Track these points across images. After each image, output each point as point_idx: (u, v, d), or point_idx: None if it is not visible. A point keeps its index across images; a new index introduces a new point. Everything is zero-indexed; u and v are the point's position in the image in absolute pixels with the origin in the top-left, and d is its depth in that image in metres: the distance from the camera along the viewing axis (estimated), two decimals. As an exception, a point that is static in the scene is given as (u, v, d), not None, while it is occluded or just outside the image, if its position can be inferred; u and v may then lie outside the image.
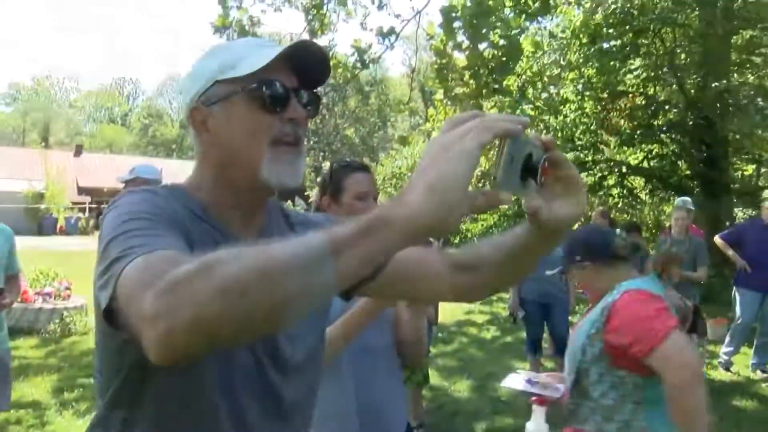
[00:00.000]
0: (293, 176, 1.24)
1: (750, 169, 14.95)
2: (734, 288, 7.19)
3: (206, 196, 1.27)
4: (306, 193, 29.81)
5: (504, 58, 9.51)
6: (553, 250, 4.23)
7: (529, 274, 1.43)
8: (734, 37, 13.33)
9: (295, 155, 1.24)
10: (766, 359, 7.19)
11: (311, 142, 43.52)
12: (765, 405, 6.25)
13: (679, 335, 2.25)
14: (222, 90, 1.22)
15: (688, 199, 7.41)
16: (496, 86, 10.28)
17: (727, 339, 7.22)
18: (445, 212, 0.86)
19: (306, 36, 10.93)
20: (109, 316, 0.98)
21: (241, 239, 1.24)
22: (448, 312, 10.02)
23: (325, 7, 10.93)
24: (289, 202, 27.53)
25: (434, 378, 6.62)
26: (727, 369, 7.11)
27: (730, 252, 7.03)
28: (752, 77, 13.48)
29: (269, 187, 1.25)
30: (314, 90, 1.30)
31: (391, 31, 10.43)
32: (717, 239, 7.16)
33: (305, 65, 1.24)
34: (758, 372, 7.11)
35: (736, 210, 13.79)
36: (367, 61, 10.77)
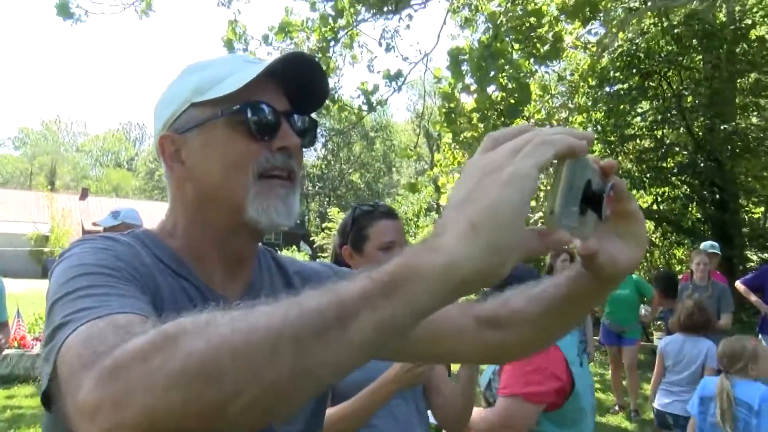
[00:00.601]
0: (286, 214, 1.03)
1: (758, 211, 14.76)
2: (759, 335, 6.95)
3: (181, 242, 1.06)
4: (311, 239, 29.76)
5: (513, 101, 9.45)
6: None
7: (571, 331, 1.19)
8: (739, 80, 13.33)
9: (288, 190, 1.04)
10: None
11: (316, 188, 43.70)
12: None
13: (525, 406, 2.36)
14: (198, 114, 1.03)
15: (713, 243, 7.22)
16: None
17: None
18: (494, 258, 0.65)
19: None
20: (47, 400, 0.78)
21: (225, 297, 1.03)
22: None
23: (331, 50, 10.89)
24: (294, 247, 27.45)
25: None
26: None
27: (753, 297, 6.80)
28: (756, 119, 13.48)
29: (257, 229, 1.03)
30: (310, 114, 1.11)
31: (399, 74, 10.41)
32: (738, 284, 6.95)
33: (298, 85, 1.05)
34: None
35: (748, 253, 13.59)
36: (374, 104, 10.70)
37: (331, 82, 11.91)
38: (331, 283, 0.67)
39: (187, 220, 1.07)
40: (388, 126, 46.08)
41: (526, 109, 11.46)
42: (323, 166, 43.97)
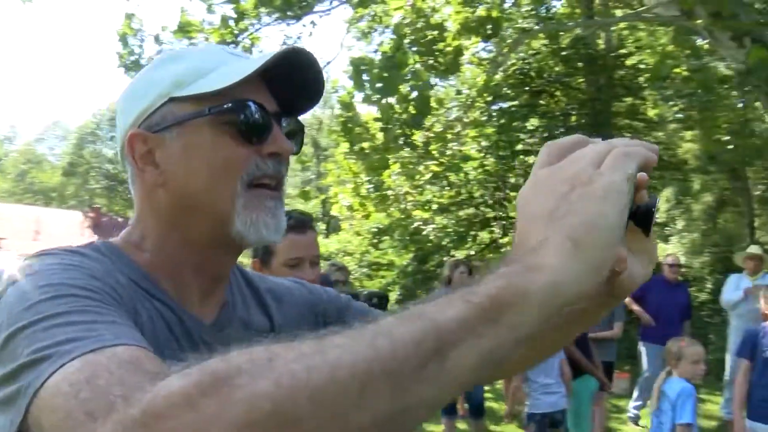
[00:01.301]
0: (275, 228, 0.92)
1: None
2: (640, 343, 7.36)
3: (150, 257, 0.94)
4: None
5: (414, 112, 9.59)
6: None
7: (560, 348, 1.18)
8: (617, 103, 14.18)
9: (277, 201, 0.94)
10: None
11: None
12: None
13: None
14: (178, 111, 0.90)
15: None
16: (404, 140, 10.35)
17: (635, 393, 7.36)
18: (595, 276, 0.62)
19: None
20: None
21: (200, 320, 0.94)
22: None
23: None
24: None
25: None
26: (636, 423, 7.22)
27: (636, 307, 7.22)
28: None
29: (242, 244, 0.93)
30: (299, 116, 1.01)
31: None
32: (627, 298, 7.35)
33: (291, 84, 0.94)
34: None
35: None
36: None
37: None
38: (412, 306, 0.60)
39: (160, 232, 0.94)
40: (275, 134, 45.57)
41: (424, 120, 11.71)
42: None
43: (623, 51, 14.66)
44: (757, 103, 13.72)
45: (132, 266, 0.90)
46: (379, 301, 1.69)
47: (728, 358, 7.30)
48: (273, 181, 0.94)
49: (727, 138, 13.96)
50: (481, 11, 9.55)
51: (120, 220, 36.50)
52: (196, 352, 0.85)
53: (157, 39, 10.82)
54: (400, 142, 9.69)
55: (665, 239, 17.74)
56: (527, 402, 5.17)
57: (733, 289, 7.14)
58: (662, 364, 7.06)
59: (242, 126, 0.89)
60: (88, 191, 46.51)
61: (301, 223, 1.92)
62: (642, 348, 7.33)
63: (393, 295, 14.44)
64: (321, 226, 29.18)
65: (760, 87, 11.40)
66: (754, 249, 7.35)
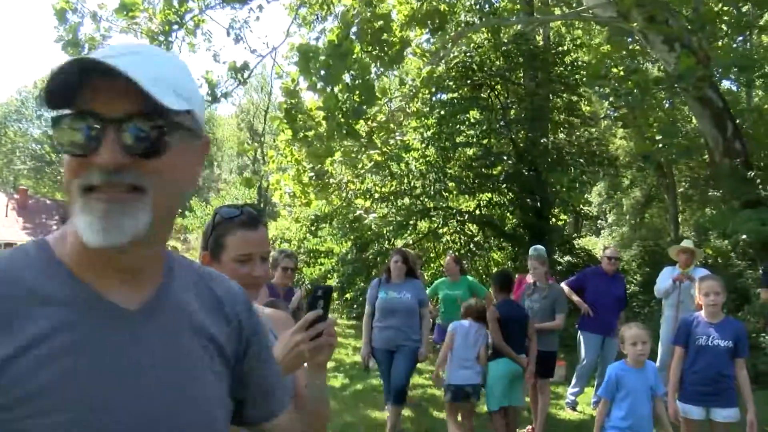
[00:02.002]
0: (104, 231, 0.91)
1: (564, 219, 16.09)
2: (578, 332, 7.59)
3: (70, 250, 0.97)
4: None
5: (358, 101, 9.60)
6: (402, 300, 4.12)
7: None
8: (556, 99, 14.51)
9: (113, 205, 0.91)
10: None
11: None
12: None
13: None
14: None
15: (540, 247, 7.80)
16: (347, 129, 10.34)
17: (573, 380, 7.59)
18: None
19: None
20: None
21: (124, 308, 0.98)
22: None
23: (173, 35, 10.43)
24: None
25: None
26: (574, 408, 7.45)
27: (575, 298, 7.44)
28: (564, 135, 14.76)
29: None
30: (156, 116, 0.93)
31: (245, 66, 10.21)
32: (563, 286, 7.56)
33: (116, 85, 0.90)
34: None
35: (557, 257, 14.78)
36: (218, 96, 10.39)
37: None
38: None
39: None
40: (211, 119, 44.89)
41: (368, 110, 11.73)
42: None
43: (562, 48, 15.04)
44: (685, 106, 14.29)
45: (50, 265, 0.96)
46: (324, 293, 1.72)
47: (659, 347, 7.61)
48: (104, 186, 0.92)
49: (657, 137, 14.47)
50: (429, 3, 9.62)
51: (48, 202, 35.25)
52: (117, 338, 0.96)
53: (95, 17, 10.51)
54: (343, 131, 9.67)
55: (597, 232, 18.36)
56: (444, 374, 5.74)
57: (666, 279, 7.44)
58: (599, 352, 7.37)
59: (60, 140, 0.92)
60: (13, 172, 44.70)
61: (252, 219, 1.91)
62: (580, 337, 7.55)
63: (332, 283, 14.46)
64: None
65: (688, 91, 11.89)
66: (686, 243, 7.64)
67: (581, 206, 16.08)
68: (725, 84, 14.73)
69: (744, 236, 10.38)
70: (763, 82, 13.93)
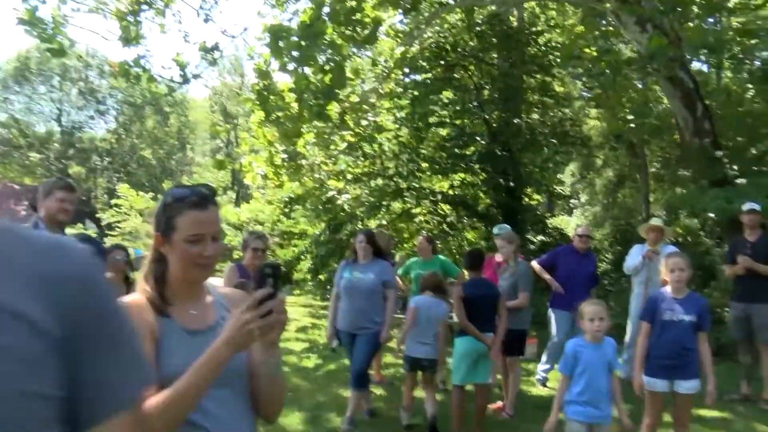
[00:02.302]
0: None
1: (537, 199, 16.22)
2: (549, 309, 7.68)
3: None
4: (98, 216, 27.93)
5: (329, 83, 9.53)
6: (365, 280, 4.15)
7: None
8: (529, 79, 14.56)
9: None
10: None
11: (105, 162, 41.06)
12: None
13: None
14: None
15: (505, 226, 7.86)
16: (318, 111, 10.27)
17: (544, 357, 7.68)
18: None
19: (119, 44, 10.22)
20: None
21: None
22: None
23: (141, 15, 10.24)
24: (80, 225, 25.59)
25: (261, 413, 6.35)
26: (544, 385, 7.56)
27: (546, 276, 7.52)
28: (538, 116, 14.85)
29: None
30: None
31: (216, 46, 10.08)
32: (534, 264, 7.63)
33: None
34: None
35: (529, 236, 14.90)
36: (189, 77, 10.26)
37: (141, 50, 11.25)
38: None
39: None
40: (184, 101, 44.37)
41: (338, 91, 11.67)
42: (113, 141, 41.34)
43: (536, 29, 15.07)
44: (657, 87, 14.42)
45: None
46: (272, 271, 1.73)
47: (629, 323, 7.73)
48: None
49: (630, 117, 14.60)
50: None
51: (16, 187, 34.72)
52: None
53: (62, -3, 10.27)
54: (315, 112, 9.58)
55: (570, 212, 18.53)
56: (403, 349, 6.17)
57: (635, 257, 7.55)
58: (569, 330, 7.47)
59: None
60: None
61: (203, 199, 1.88)
62: (551, 314, 7.64)
63: (305, 264, 14.43)
64: (231, 195, 28.78)
65: (660, 72, 11.99)
66: (655, 221, 7.75)
67: (554, 186, 16.21)
68: (696, 65, 14.85)
69: (711, 214, 10.54)
70: (731, 63, 14.10)
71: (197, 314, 1.92)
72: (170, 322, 1.84)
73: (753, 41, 12.80)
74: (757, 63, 13.25)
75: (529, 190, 14.76)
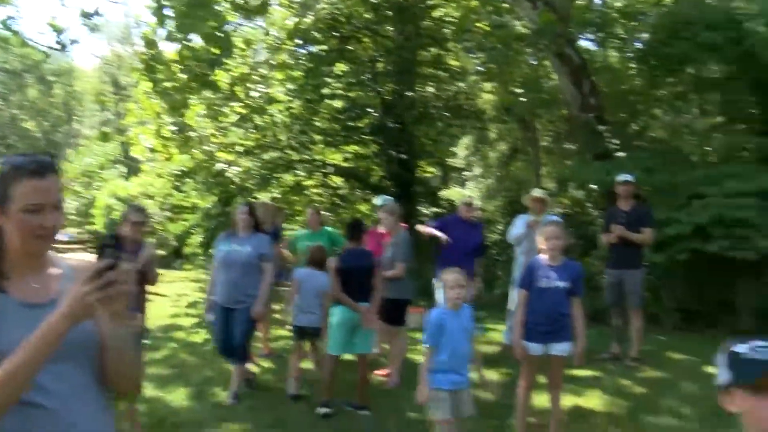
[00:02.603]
0: None
1: (431, 171, 16.46)
2: (434, 279, 7.81)
3: None
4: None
5: (216, 52, 9.26)
6: (242, 253, 4.08)
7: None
8: (423, 53, 14.65)
9: None
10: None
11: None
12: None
13: None
14: None
15: (387, 197, 7.95)
16: (205, 80, 10.00)
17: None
18: None
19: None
20: None
21: None
22: (153, 316, 9.43)
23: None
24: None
25: (148, 389, 6.27)
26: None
27: (431, 231, 7.65)
28: (433, 89, 15.00)
29: None
30: None
31: (96, 12, 9.59)
32: (420, 227, 7.73)
33: None
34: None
35: (422, 208, 15.11)
36: (65, 43, 9.70)
37: (10, 11, 10.56)
38: None
39: None
40: (71, 71, 42.18)
41: (228, 62, 11.39)
42: (-9, 112, 38.95)
43: (430, 2, 15.12)
44: (546, 62, 14.83)
45: None
46: (113, 242, 1.68)
47: (511, 291, 8.01)
48: None
49: (520, 91, 14.97)
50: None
51: None
52: None
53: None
54: (202, 82, 9.31)
55: (462, 184, 18.88)
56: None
57: (518, 227, 7.80)
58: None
59: None
60: None
61: (41, 167, 1.78)
62: (437, 283, 7.77)
63: (196, 238, 14.11)
64: (122, 169, 27.70)
65: (548, 48, 12.34)
66: (537, 192, 7.99)
67: (448, 159, 16.47)
68: (584, 43, 15.34)
69: (594, 186, 11.00)
70: (616, 43, 14.68)
71: (39, 288, 1.83)
72: (5, 297, 1.76)
73: (633, 23, 13.37)
74: (637, 44, 13.84)
75: (422, 162, 14.92)
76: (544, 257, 5.05)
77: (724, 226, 8.55)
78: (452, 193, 16.84)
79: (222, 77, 10.89)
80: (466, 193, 16.58)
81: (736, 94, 11.73)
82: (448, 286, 4.37)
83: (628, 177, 7.72)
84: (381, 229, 7.22)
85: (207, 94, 11.16)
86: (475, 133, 18.33)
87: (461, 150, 19.31)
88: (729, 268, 8.84)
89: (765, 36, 9.52)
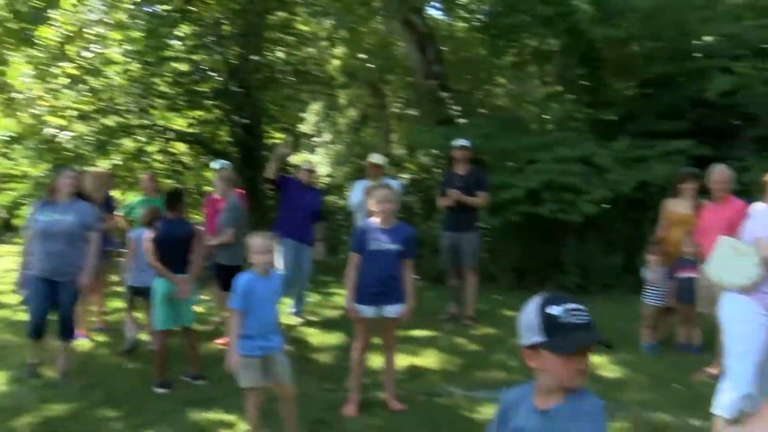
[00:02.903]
0: None
1: (282, 137, 16.24)
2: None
3: None
4: None
5: (41, 5, 8.57)
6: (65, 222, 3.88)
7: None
8: (270, 16, 14.31)
9: None
10: (302, 306, 8.09)
11: None
12: (304, 347, 7.01)
13: None
14: None
15: (223, 162, 7.85)
16: (29, 36, 9.25)
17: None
18: None
19: None
20: None
21: None
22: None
23: None
24: None
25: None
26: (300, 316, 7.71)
27: (274, 165, 7.61)
28: (282, 54, 14.75)
29: None
30: None
31: None
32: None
33: None
34: (297, 318, 7.93)
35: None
36: None
37: None
38: None
39: None
40: None
41: (56, 18, 10.61)
42: None
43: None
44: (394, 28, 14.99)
45: None
46: None
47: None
48: None
49: (367, 57, 15.04)
50: None
51: None
52: None
53: None
54: (21, 37, 8.59)
55: (312, 150, 18.81)
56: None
57: (357, 193, 7.87)
58: (296, 261, 7.64)
59: None
60: None
61: None
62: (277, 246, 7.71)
63: (29, 209, 13.16)
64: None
65: (394, 15, 12.47)
66: (375, 158, 8.05)
67: (297, 125, 16.30)
68: (431, 12, 15.61)
69: (435, 151, 11.31)
70: (460, 12, 15.04)
71: None
72: None
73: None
74: (479, 16, 14.24)
75: (269, 128, 14.68)
76: (375, 220, 5.10)
77: (553, 191, 9.06)
78: (302, 159, 16.74)
79: (48, 34, 10.09)
80: (316, 160, 16.56)
81: (568, 67, 12.40)
82: (255, 250, 4.27)
83: (463, 142, 7.95)
84: (217, 195, 7.06)
85: (34, 51, 10.33)
86: (325, 100, 18.26)
87: (311, 116, 19.20)
88: (558, 229, 9.42)
89: (588, 12, 10.05)
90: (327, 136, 19.69)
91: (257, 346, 4.23)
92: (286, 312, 7.88)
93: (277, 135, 15.08)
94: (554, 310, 1.77)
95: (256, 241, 4.29)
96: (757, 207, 4.31)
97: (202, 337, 6.58)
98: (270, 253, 4.33)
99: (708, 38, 10.56)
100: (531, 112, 14.93)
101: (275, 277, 4.43)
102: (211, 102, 13.33)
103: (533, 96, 15.57)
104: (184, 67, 13.13)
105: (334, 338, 7.20)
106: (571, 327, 1.74)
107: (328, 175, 17.02)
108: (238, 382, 4.29)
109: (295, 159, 14.29)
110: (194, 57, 13.15)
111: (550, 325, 1.76)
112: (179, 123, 13.76)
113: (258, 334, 4.24)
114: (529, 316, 1.82)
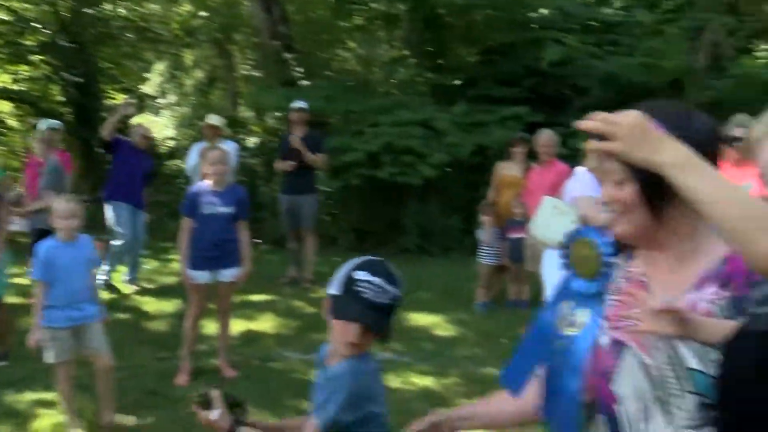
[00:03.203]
0: None
1: (120, 97, 15.42)
2: (106, 204, 7.40)
3: None
4: None
5: None
6: None
7: None
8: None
9: None
10: (136, 273, 7.77)
11: None
12: (139, 315, 6.75)
13: None
14: None
15: (52, 121, 7.37)
16: None
17: (109, 260, 7.34)
18: None
19: None
20: None
21: None
22: None
23: None
24: None
25: None
26: (111, 288, 7.31)
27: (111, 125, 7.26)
28: (124, 10, 13.96)
29: None
30: None
31: None
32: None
33: None
34: (132, 286, 7.60)
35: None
36: None
37: None
38: None
39: None
40: None
41: None
42: None
43: None
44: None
45: None
46: None
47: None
48: None
49: (210, 14, 14.50)
50: None
51: None
52: None
53: None
54: None
55: (156, 112, 17.99)
56: None
57: (193, 156, 7.66)
58: (133, 225, 7.33)
59: None
60: None
61: None
62: (109, 208, 7.35)
63: None
64: None
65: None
66: (211, 119, 7.82)
67: (138, 85, 15.53)
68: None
69: (276, 113, 11.19)
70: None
71: None
72: None
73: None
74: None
75: (107, 88, 13.90)
76: (207, 183, 4.98)
77: (393, 154, 9.22)
78: (146, 121, 15.98)
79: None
80: (161, 122, 15.89)
81: (415, 31, 12.56)
82: (59, 215, 3.98)
83: (301, 104, 7.88)
84: (39, 158, 6.63)
85: None
86: (170, 59, 17.48)
87: (156, 77, 18.34)
88: (399, 192, 9.62)
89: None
90: (172, 98, 18.87)
91: (65, 316, 3.96)
92: (121, 279, 7.55)
93: (118, 95, 14.31)
94: (361, 275, 1.75)
95: (60, 205, 3.99)
96: (579, 170, 4.59)
97: (20, 311, 6.05)
98: (75, 218, 4.01)
99: (543, 11, 11.06)
100: (379, 75, 15.04)
101: (84, 242, 4.13)
102: (38, 57, 12.37)
103: (381, 60, 15.67)
104: (3, 14, 12.03)
105: (170, 305, 6.98)
106: (361, 299, 1.73)
107: (173, 138, 16.37)
108: (44, 358, 4.01)
109: (137, 120, 13.61)
110: (15, 4, 12.08)
111: (347, 287, 1.77)
112: (3, 79, 12.70)
113: (66, 304, 3.96)
114: (344, 269, 1.82)
